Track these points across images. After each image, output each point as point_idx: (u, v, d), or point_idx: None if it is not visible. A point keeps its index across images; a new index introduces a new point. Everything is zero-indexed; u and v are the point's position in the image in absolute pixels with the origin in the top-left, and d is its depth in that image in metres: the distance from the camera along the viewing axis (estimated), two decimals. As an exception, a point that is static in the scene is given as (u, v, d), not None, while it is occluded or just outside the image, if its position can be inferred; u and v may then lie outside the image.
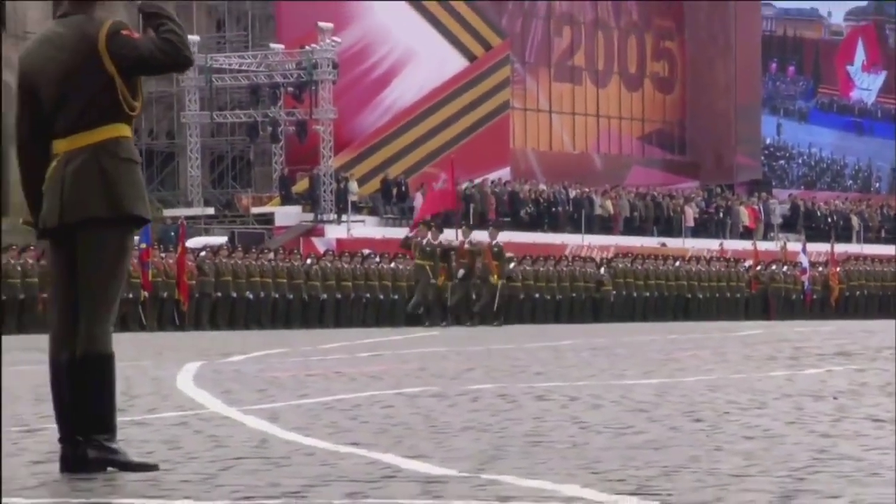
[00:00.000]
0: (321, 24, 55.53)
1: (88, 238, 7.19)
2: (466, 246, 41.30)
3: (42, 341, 24.81)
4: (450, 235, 44.31)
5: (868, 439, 8.79)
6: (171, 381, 14.30)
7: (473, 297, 41.51)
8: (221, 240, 49.46)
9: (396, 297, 46.36)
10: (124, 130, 7.56)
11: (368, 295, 45.65)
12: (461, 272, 40.09)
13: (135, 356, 18.67)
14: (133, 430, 9.32)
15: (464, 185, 57.81)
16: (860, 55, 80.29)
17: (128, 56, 7.32)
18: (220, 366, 17.61)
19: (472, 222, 54.06)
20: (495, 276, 41.16)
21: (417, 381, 15.14)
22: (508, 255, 51.18)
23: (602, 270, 52.61)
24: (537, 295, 50.14)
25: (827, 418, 10.22)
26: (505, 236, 53.54)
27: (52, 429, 7.95)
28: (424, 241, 40.52)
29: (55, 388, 7.36)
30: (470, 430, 9.93)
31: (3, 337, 31.68)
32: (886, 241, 67.67)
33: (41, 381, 13.39)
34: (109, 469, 7.44)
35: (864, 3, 79.33)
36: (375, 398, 12.86)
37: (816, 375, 15.54)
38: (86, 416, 7.23)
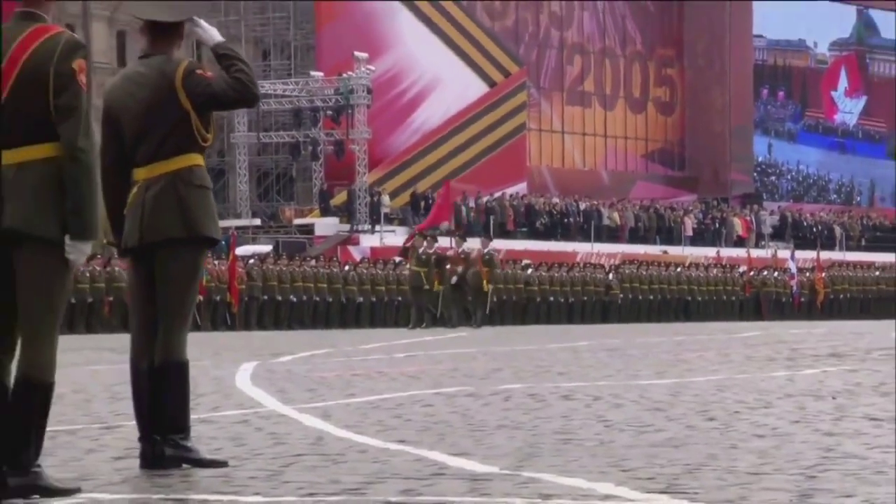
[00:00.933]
0: (357, 53, 55.63)
1: (166, 257, 7.24)
2: (460, 254, 40.98)
3: (109, 341, 23.75)
4: (445, 244, 44.66)
5: (868, 437, 8.74)
6: (231, 381, 14.34)
7: (469, 298, 40.92)
8: (267, 248, 49.53)
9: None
10: (198, 160, 7.62)
11: (400, 298, 45.38)
12: (454, 279, 39.78)
13: (196, 356, 18.33)
14: (201, 428, 9.15)
15: (485, 199, 58.44)
16: (843, 82, 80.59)
17: (202, 93, 7.36)
18: (272, 366, 17.62)
19: (492, 232, 54.21)
20: (485, 283, 40.75)
21: (452, 381, 14.84)
22: (525, 261, 52.86)
23: (610, 276, 52.87)
24: (552, 298, 50.34)
25: (828, 417, 10.10)
26: (521, 244, 56.97)
27: (129, 426, 8.03)
28: (420, 250, 40.53)
29: (135, 392, 7.32)
30: (504, 427, 9.80)
31: (75, 336, 32.16)
32: (866, 249, 67.80)
33: (114, 380, 13.09)
34: (184, 466, 7.44)
35: (847, 35, 78.75)
36: (416, 397, 12.68)
37: (814, 376, 15.25)
38: (163, 418, 7.23)
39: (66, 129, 6.18)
